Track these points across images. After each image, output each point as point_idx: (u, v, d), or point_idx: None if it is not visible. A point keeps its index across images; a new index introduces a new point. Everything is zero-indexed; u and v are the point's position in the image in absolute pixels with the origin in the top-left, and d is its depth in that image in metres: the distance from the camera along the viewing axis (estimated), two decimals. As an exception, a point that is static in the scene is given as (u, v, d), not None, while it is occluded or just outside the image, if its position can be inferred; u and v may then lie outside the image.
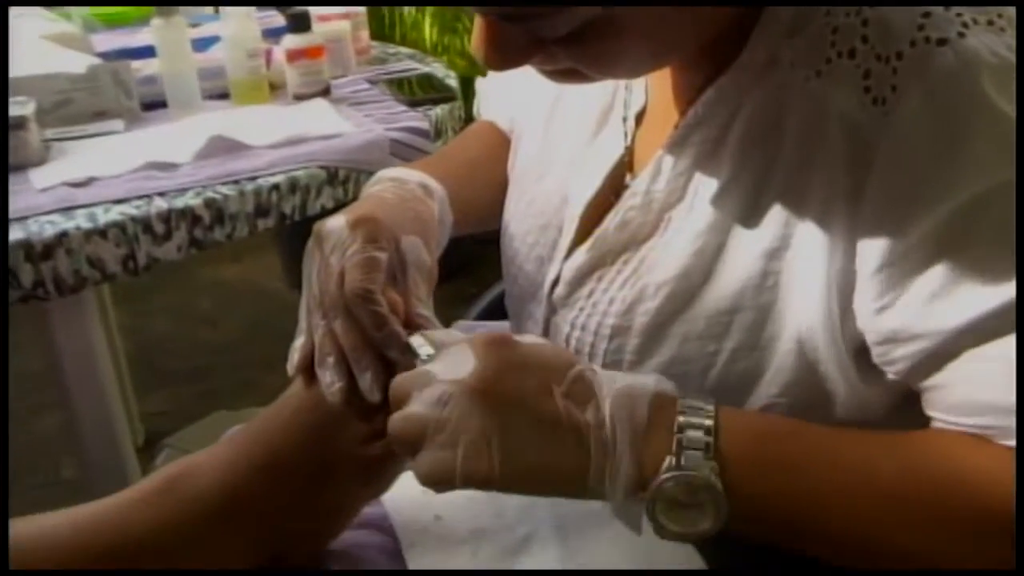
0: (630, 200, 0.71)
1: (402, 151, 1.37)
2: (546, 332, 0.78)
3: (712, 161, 0.67)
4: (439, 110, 1.50)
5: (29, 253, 1.09)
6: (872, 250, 0.59)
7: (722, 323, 0.66)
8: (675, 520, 0.57)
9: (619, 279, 0.71)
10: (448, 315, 1.14)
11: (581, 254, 0.74)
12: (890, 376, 0.63)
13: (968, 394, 0.58)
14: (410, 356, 0.63)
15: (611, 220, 0.72)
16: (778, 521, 0.59)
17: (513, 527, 0.73)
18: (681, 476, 0.56)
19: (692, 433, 0.57)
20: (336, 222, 0.69)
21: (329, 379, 0.64)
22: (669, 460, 0.56)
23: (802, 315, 0.63)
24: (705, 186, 0.67)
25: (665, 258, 0.68)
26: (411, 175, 0.80)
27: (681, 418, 0.57)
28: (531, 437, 0.57)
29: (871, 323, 0.61)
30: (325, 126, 1.39)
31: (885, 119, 0.58)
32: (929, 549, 0.57)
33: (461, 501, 0.75)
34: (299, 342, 0.69)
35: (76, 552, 0.61)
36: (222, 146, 1.31)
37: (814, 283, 0.62)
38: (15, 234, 1.10)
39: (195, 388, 2.32)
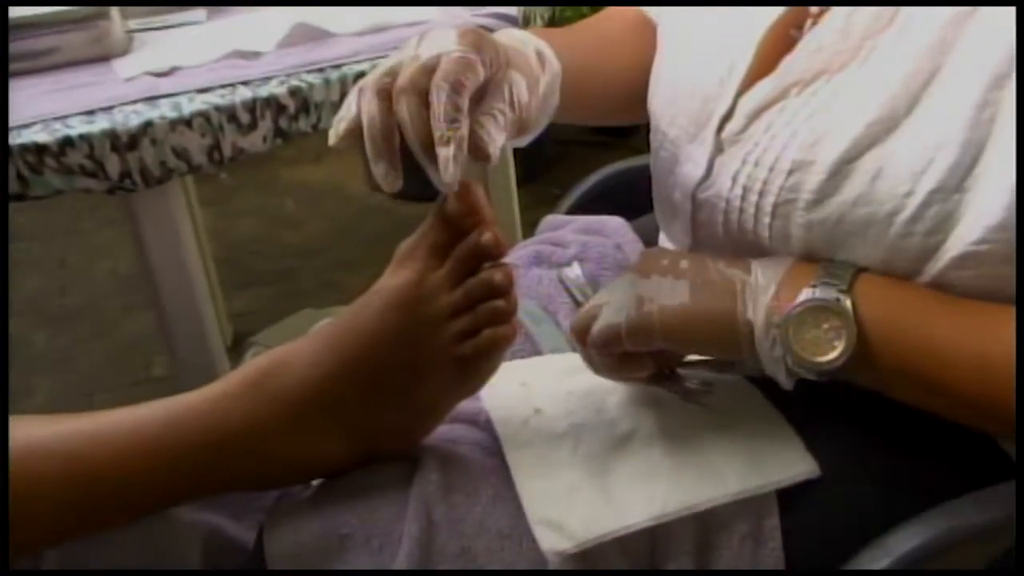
0: (830, 23, 0.66)
1: (490, 38, 1.32)
2: (709, 173, 0.73)
3: None
4: (528, -5, 1.43)
5: (115, 143, 1.08)
6: None
7: (925, 158, 0.60)
8: (805, 347, 0.62)
9: (804, 111, 0.66)
10: (532, 216, 1.11)
11: (766, 84, 0.69)
12: None
13: None
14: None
15: (804, 45, 0.67)
16: (903, 361, 0.62)
17: (615, 423, 0.70)
18: (813, 300, 0.62)
19: (830, 278, 0.63)
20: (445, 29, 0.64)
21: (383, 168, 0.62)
22: (807, 293, 0.62)
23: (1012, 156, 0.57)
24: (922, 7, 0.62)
25: (866, 85, 0.63)
26: (529, 39, 0.73)
27: (821, 269, 0.64)
28: (687, 292, 0.65)
29: None
30: (410, 12, 1.35)
31: None
32: None
33: (561, 395, 0.73)
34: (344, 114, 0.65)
35: (167, 446, 0.62)
36: (306, 34, 1.28)
37: None
38: (100, 124, 1.08)
39: (280, 288, 2.34)
